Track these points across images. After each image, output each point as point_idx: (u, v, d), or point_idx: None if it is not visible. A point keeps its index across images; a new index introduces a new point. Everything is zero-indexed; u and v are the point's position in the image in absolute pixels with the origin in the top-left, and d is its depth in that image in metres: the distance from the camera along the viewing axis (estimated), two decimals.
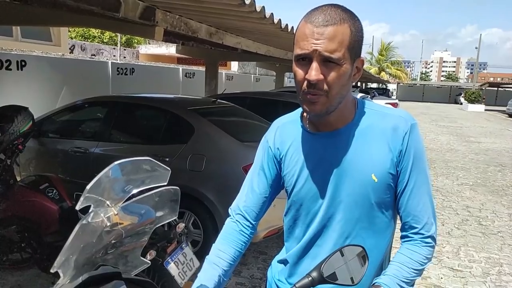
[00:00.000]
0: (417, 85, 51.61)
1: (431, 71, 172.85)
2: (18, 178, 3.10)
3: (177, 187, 0.91)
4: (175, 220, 3.42)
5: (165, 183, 0.86)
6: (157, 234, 2.32)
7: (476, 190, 6.50)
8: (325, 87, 0.91)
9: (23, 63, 5.81)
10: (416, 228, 1.01)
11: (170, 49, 14.90)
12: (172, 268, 2.23)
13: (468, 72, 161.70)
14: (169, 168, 0.88)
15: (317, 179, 1.04)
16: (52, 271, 0.70)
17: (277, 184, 1.15)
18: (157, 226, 0.91)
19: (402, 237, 1.05)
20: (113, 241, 0.86)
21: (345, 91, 0.97)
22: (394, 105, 15.44)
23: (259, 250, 3.81)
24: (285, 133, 1.12)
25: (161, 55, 17.02)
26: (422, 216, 1.00)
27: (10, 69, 5.64)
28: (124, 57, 13.82)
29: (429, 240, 1.00)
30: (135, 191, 0.81)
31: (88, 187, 0.70)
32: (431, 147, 10.89)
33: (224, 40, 4.42)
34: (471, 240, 4.36)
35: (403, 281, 0.96)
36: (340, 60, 0.90)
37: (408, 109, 26.61)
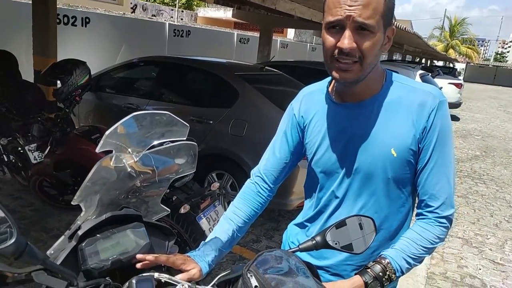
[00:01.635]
0: (490, 66, 47.38)
1: (508, 51, 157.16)
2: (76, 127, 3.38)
3: (195, 142, 0.95)
4: (213, 179, 3.56)
5: (184, 138, 0.91)
6: (193, 190, 2.44)
7: None
8: (359, 54, 0.89)
9: (87, 20, 6.14)
10: (432, 207, 0.98)
11: (228, 13, 14.86)
12: (203, 223, 2.36)
13: None
14: (187, 124, 0.92)
15: (337, 149, 1.04)
16: (73, 203, 0.79)
17: (298, 151, 1.16)
18: (175, 177, 0.97)
19: (417, 214, 1.03)
20: (134, 186, 0.94)
21: (377, 60, 0.94)
22: (458, 86, 14.32)
23: (292, 219, 3.87)
24: (311, 101, 1.11)
25: (219, 19, 17.06)
26: (439, 195, 0.97)
27: (76, 25, 6.00)
28: (182, 19, 14.04)
29: (443, 220, 0.98)
30: (154, 142, 0.87)
31: (107, 132, 0.76)
32: (493, 134, 10.12)
33: (277, 6, 4.33)
34: None
35: (410, 257, 0.95)
36: (374, 28, 0.87)
37: (475, 92, 24.76)
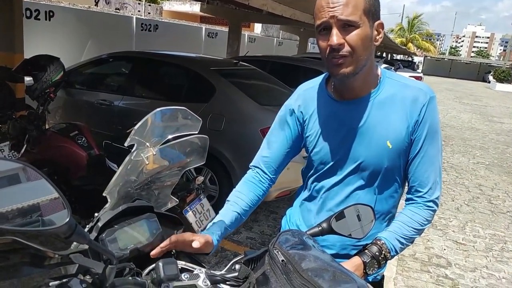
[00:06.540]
0: (445, 59, 49.73)
1: (461, 46, 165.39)
2: (46, 126, 3.28)
3: (207, 136, 1.02)
4: (192, 174, 3.60)
5: (196, 132, 0.97)
6: (178, 185, 2.48)
7: (491, 170, 6.48)
8: (348, 48, 0.98)
9: (51, 14, 5.91)
10: (421, 192, 1.09)
11: (194, 7, 14.69)
12: (190, 216, 2.41)
13: (501, 50, 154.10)
14: (200, 119, 0.98)
15: (336, 141, 1.13)
16: (103, 194, 0.83)
17: (296, 144, 1.23)
18: (186, 169, 1.03)
19: (407, 199, 1.14)
20: (148, 179, 0.99)
21: (369, 53, 1.03)
22: (418, 78, 15.04)
23: (270, 210, 3.99)
24: (309, 97, 1.19)
25: (184, 12, 16.81)
26: (428, 182, 1.08)
27: (39, 19, 5.76)
28: (149, 13, 13.73)
29: (431, 204, 1.09)
30: (170, 136, 0.93)
31: (136, 127, 0.81)
32: (451, 124, 10.73)
33: (250, 1, 4.39)
34: (478, 216, 4.44)
35: (402, 237, 1.07)
36: (357, 22, 0.96)
37: (433, 85, 25.96)
